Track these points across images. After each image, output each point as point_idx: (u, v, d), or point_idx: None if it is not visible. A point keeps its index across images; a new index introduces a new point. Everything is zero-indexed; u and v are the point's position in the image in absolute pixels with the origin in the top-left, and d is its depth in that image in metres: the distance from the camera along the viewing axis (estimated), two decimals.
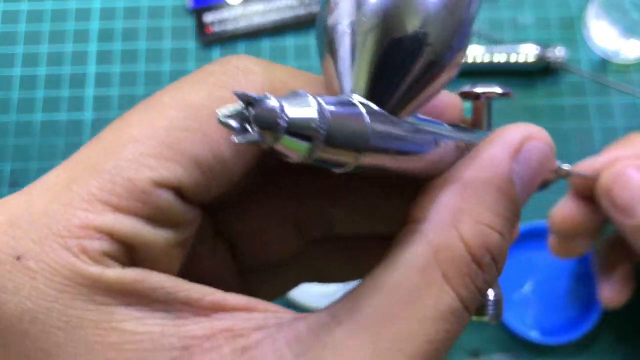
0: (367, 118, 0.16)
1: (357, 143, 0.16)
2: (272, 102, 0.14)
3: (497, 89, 0.22)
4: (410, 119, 0.18)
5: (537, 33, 0.57)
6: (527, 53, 0.54)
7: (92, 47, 0.56)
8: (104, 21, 0.57)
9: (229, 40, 0.56)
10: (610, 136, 0.54)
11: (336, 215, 0.24)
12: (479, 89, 0.22)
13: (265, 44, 0.57)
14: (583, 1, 0.58)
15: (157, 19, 0.57)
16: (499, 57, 0.54)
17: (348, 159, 0.16)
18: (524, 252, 0.49)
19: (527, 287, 0.49)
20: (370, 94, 0.17)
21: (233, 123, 0.14)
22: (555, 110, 0.55)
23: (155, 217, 0.17)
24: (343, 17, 0.18)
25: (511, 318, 0.48)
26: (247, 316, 0.17)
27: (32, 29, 0.57)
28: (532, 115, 0.54)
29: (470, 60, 0.54)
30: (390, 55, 0.17)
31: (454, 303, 0.17)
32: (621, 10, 0.53)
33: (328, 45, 0.18)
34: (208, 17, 0.56)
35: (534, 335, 0.47)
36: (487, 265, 0.17)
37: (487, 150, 0.19)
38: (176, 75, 0.55)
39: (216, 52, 0.56)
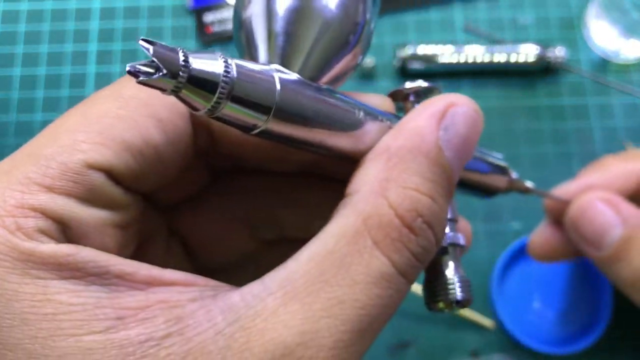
0: (277, 81, 0.17)
1: (264, 103, 0.17)
2: (179, 53, 0.15)
3: (423, 83, 0.22)
4: (339, 95, 0.19)
5: (537, 33, 0.57)
6: (527, 53, 0.54)
7: (92, 47, 0.56)
8: (104, 21, 0.57)
9: (229, 40, 0.56)
10: (610, 136, 0.54)
11: (286, 217, 0.25)
12: (404, 87, 0.22)
13: None
14: (583, 1, 0.58)
15: (157, 19, 0.57)
16: (499, 57, 0.54)
17: (255, 120, 0.17)
18: (529, 264, 0.49)
19: (533, 299, 0.49)
20: (304, 68, 0.19)
21: (142, 69, 0.15)
22: (556, 110, 0.55)
23: (88, 197, 0.18)
24: (257, 15, 0.19)
25: (517, 328, 0.47)
26: (184, 289, 0.17)
27: (32, 29, 0.57)
28: (532, 115, 0.54)
29: (470, 60, 0.54)
30: (299, 32, 0.19)
31: (385, 268, 0.17)
32: (621, 10, 0.53)
33: (245, 37, 0.20)
34: (208, 17, 0.56)
35: (538, 344, 0.47)
36: (419, 228, 0.18)
37: (411, 120, 0.19)
38: None
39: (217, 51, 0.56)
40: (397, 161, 0.18)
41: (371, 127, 0.20)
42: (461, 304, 0.21)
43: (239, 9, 0.20)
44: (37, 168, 0.18)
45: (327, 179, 0.24)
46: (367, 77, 0.55)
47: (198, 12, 0.57)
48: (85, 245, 0.18)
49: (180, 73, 0.15)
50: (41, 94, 0.54)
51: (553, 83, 0.56)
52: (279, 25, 0.19)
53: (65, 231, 0.18)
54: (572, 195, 0.32)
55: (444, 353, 0.48)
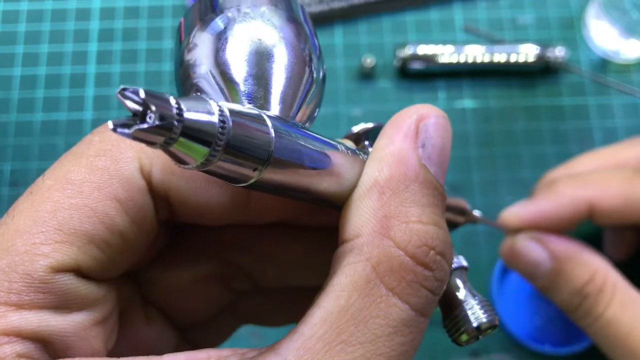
0: (271, 127, 0.16)
1: (259, 153, 0.15)
2: (171, 102, 0.14)
3: (369, 125, 0.22)
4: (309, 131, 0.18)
5: (537, 33, 0.57)
6: (527, 53, 0.54)
7: (92, 46, 0.56)
8: (104, 21, 0.57)
9: None
10: (610, 136, 0.54)
11: (257, 270, 0.24)
12: (354, 129, 0.22)
13: None
14: (583, 1, 0.58)
15: (157, 19, 0.57)
16: (499, 57, 0.54)
17: (248, 172, 0.16)
18: None
19: (533, 299, 0.49)
20: (289, 110, 0.18)
21: (126, 129, 0.13)
22: (555, 110, 0.55)
23: (62, 304, 0.16)
24: (202, 61, 0.18)
25: (517, 328, 0.47)
26: None
27: (32, 29, 0.57)
28: (532, 115, 0.54)
29: (470, 60, 0.54)
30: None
31: (404, 314, 0.16)
32: (621, 10, 0.53)
33: (188, 83, 0.18)
34: None
35: (538, 344, 0.47)
36: (433, 262, 0.17)
37: (387, 147, 0.18)
38: None
39: None
40: (390, 194, 0.17)
41: (350, 163, 0.18)
42: (487, 326, 0.20)
43: (183, 51, 0.19)
44: None
45: (295, 228, 0.23)
46: (367, 77, 0.55)
47: None
48: (71, 356, 0.16)
49: (175, 125, 0.14)
50: (41, 94, 0.54)
51: (553, 83, 0.56)
52: (242, 69, 0.18)
53: (47, 348, 0.16)
54: (522, 223, 0.35)
55: (444, 353, 0.48)
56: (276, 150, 0.16)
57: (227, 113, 0.15)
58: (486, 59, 0.54)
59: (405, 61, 0.54)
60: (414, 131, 0.18)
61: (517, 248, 0.34)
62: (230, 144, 0.15)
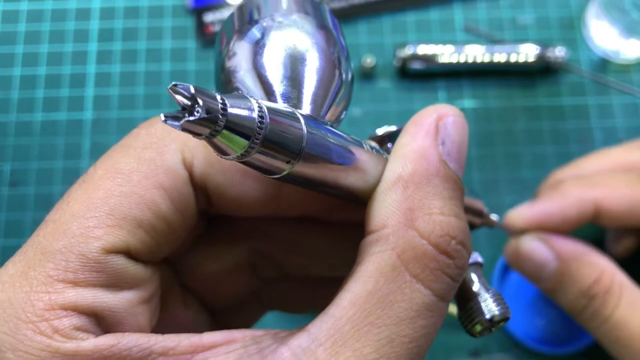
0: (303, 123, 0.18)
1: (292, 147, 0.17)
2: (217, 98, 0.15)
3: (393, 127, 0.23)
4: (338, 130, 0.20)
5: (537, 33, 0.57)
6: (527, 53, 0.54)
7: (92, 46, 0.56)
8: (104, 21, 0.57)
9: None
10: (610, 136, 0.54)
11: (284, 258, 0.25)
12: (378, 132, 0.23)
13: None
14: (583, 1, 0.58)
15: (157, 19, 0.57)
16: (499, 57, 0.54)
17: (281, 164, 0.17)
18: None
19: (533, 299, 0.49)
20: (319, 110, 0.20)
21: (176, 121, 0.15)
22: (556, 110, 0.55)
23: (113, 283, 0.18)
24: (241, 65, 0.20)
25: (517, 328, 0.47)
26: (227, 349, 0.18)
27: (32, 29, 0.57)
28: (532, 115, 0.54)
29: (470, 60, 0.54)
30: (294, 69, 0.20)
31: (427, 299, 0.18)
32: (621, 10, 0.53)
33: (238, 87, 0.20)
34: (208, 17, 0.56)
35: (538, 344, 0.47)
36: (454, 251, 0.18)
37: (409, 143, 0.20)
38: (176, 75, 0.55)
39: None
40: (414, 188, 0.19)
41: (374, 160, 0.20)
42: (500, 318, 0.21)
43: (223, 59, 0.21)
44: (55, 265, 0.18)
45: (321, 222, 0.25)
46: (367, 77, 0.55)
47: (198, 12, 0.57)
48: (121, 330, 0.18)
49: (219, 119, 0.15)
50: (41, 94, 0.54)
51: (553, 83, 0.56)
52: (278, 72, 0.19)
53: (100, 322, 0.18)
54: (527, 224, 0.34)
55: (445, 353, 0.48)
56: (307, 146, 0.17)
57: (265, 110, 0.16)
58: (486, 59, 0.54)
59: (405, 61, 0.54)
60: (434, 129, 0.20)
61: (522, 249, 0.34)
62: (267, 138, 0.16)
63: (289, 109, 0.18)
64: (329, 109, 0.20)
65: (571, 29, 0.58)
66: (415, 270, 0.18)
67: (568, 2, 0.58)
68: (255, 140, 0.16)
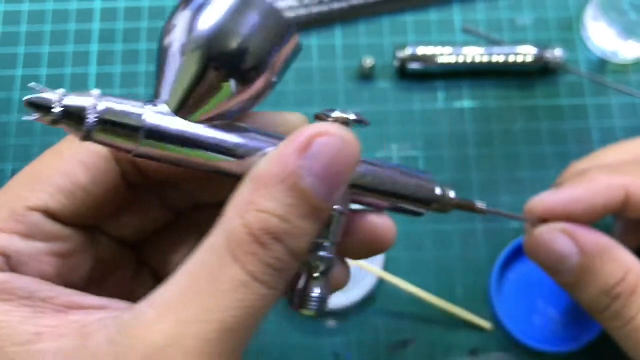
0: (144, 116, 0.22)
1: (129, 133, 0.21)
2: (57, 93, 0.21)
3: (352, 116, 0.24)
4: (209, 129, 0.23)
5: (535, 34, 0.58)
6: (525, 54, 0.54)
7: (94, 47, 0.56)
8: (106, 22, 0.57)
9: None
10: (609, 136, 0.54)
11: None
12: (333, 115, 0.24)
13: None
14: (582, 2, 0.59)
15: (158, 20, 0.57)
16: (498, 58, 0.55)
17: (127, 145, 0.22)
18: (528, 263, 0.50)
19: (532, 298, 0.49)
20: (180, 105, 0.22)
21: (34, 111, 0.20)
22: (554, 111, 0.55)
23: (29, 234, 0.23)
24: (175, 40, 0.22)
25: (516, 327, 0.48)
26: (97, 313, 0.22)
27: (33, 30, 0.57)
28: (530, 116, 0.55)
29: (469, 61, 0.55)
30: (204, 73, 0.22)
31: (243, 277, 0.21)
32: (619, 11, 0.53)
33: (160, 63, 0.23)
34: None
35: (537, 343, 0.47)
36: (267, 243, 0.21)
37: (278, 149, 0.22)
38: None
39: None
40: (260, 186, 0.21)
41: (250, 154, 0.23)
42: (315, 313, 0.25)
43: (162, 34, 0.24)
44: None
45: None
46: (366, 77, 0.56)
47: None
48: (24, 273, 0.23)
49: (55, 108, 0.20)
50: None
51: (551, 83, 0.56)
52: (170, 67, 0.23)
53: (9, 262, 0.23)
54: (550, 211, 0.32)
55: (443, 352, 0.49)
56: (146, 133, 0.22)
57: (104, 102, 0.21)
58: (485, 60, 0.54)
59: (404, 62, 0.54)
60: (304, 142, 0.21)
61: (543, 239, 0.31)
62: (103, 122, 0.21)
63: (138, 102, 0.22)
64: (206, 108, 0.23)
65: (570, 30, 0.58)
66: (236, 252, 0.21)
67: (567, 4, 0.59)
68: (87, 124, 0.21)
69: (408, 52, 0.54)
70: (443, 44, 0.56)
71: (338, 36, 0.57)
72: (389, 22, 0.58)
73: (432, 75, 0.56)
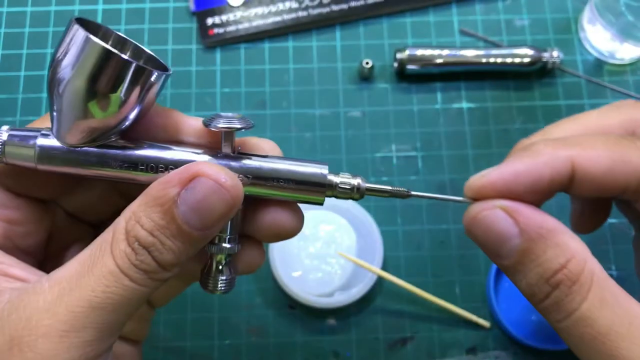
0: (35, 142, 0.27)
1: (25, 155, 0.27)
2: None
3: (236, 125, 0.27)
4: (90, 149, 0.28)
5: (533, 35, 0.58)
6: (523, 55, 0.55)
7: None
8: (108, 24, 0.58)
9: (231, 42, 0.57)
10: None
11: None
12: (219, 125, 0.27)
13: (266, 46, 0.57)
14: (579, 4, 0.59)
15: (160, 22, 0.58)
16: (496, 59, 0.55)
17: (28, 164, 0.28)
18: None
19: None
20: (56, 132, 0.28)
21: None
22: (552, 111, 0.55)
23: None
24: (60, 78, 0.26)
25: (513, 325, 0.48)
26: (15, 281, 0.27)
27: (36, 31, 0.57)
28: (528, 116, 0.55)
29: (468, 62, 0.55)
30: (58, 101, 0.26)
31: (112, 268, 0.25)
32: (616, 12, 0.54)
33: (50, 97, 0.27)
34: (210, 20, 0.57)
35: (535, 341, 0.47)
36: (136, 248, 0.25)
37: (171, 174, 0.26)
38: (178, 76, 0.56)
39: (218, 53, 0.57)
40: (144, 202, 0.26)
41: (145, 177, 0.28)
42: (222, 292, 0.30)
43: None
44: None
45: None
46: (366, 79, 0.56)
47: (200, 14, 0.57)
48: None
49: None
50: (46, 95, 0.55)
51: (549, 84, 0.56)
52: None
53: None
54: (488, 188, 0.29)
55: (442, 350, 0.49)
56: (40, 155, 0.27)
57: (3, 134, 0.27)
58: (483, 61, 0.55)
59: (403, 63, 0.55)
60: (187, 178, 0.25)
61: (482, 217, 0.28)
62: (5, 153, 0.27)
63: (36, 132, 0.28)
64: (74, 131, 0.28)
65: (567, 31, 0.58)
66: (113, 248, 0.26)
67: (564, 6, 0.59)
68: None
69: (407, 53, 0.55)
70: (442, 45, 0.56)
71: (338, 38, 0.58)
72: (388, 24, 0.58)
73: (430, 76, 0.56)
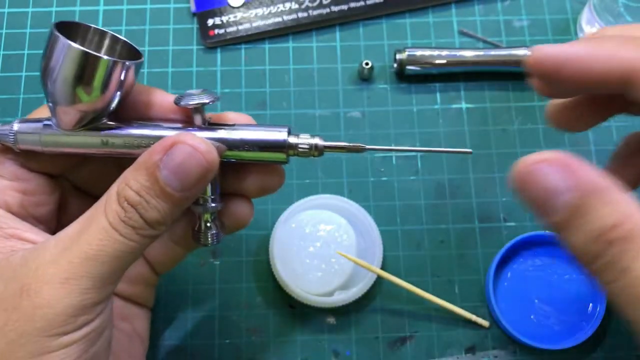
0: (40, 131, 0.33)
1: (33, 141, 0.33)
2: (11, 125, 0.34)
3: (204, 100, 0.32)
4: (81, 133, 0.33)
5: (532, 36, 0.58)
6: (522, 55, 0.55)
7: None
8: (108, 24, 0.58)
9: (232, 43, 0.58)
10: (605, 136, 0.55)
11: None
12: (186, 102, 0.32)
13: (267, 46, 0.58)
14: (578, 5, 0.59)
15: (161, 23, 0.58)
16: (495, 60, 0.55)
17: (37, 148, 0.33)
18: (524, 261, 0.51)
19: (529, 296, 0.50)
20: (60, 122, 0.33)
21: None
22: None
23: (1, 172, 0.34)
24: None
25: (513, 325, 0.48)
26: (26, 244, 0.32)
27: (37, 32, 0.58)
28: (527, 117, 0.56)
29: (467, 63, 0.55)
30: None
31: (105, 224, 0.29)
32: (615, 13, 0.54)
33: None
34: (211, 21, 0.58)
35: (534, 340, 0.48)
36: (125, 207, 0.30)
37: (155, 146, 0.30)
38: (179, 77, 0.56)
39: (219, 54, 0.57)
40: (134, 169, 0.30)
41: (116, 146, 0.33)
42: (209, 243, 0.36)
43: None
44: None
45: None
46: (365, 79, 0.56)
47: (201, 15, 0.58)
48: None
49: (10, 136, 0.33)
50: None
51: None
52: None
53: None
54: (543, 60, 0.29)
55: (441, 349, 0.49)
56: (44, 141, 0.33)
57: (16, 126, 0.33)
58: (483, 62, 0.55)
59: (403, 64, 0.55)
60: (168, 145, 0.30)
61: (535, 168, 0.27)
62: (18, 136, 0.33)
63: (38, 123, 0.33)
64: (63, 115, 0.32)
65: (566, 32, 0.59)
66: (106, 208, 0.30)
67: (563, 7, 0.60)
68: (12, 140, 0.33)
69: (406, 54, 0.55)
70: (441, 46, 0.57)
71: (338, 38, 0.58)
72: (387, 25, 0.59)
73: (430, 77, 0.57)
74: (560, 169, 0.26)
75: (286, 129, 0.33)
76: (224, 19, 0.58)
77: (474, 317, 0.49)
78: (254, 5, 0.58)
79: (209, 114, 0.34)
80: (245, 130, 0.33)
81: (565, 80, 0.29)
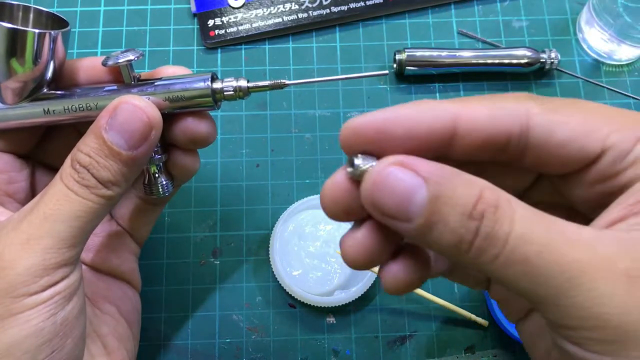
0: None
1: None
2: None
3: (130, 57, 0.34)
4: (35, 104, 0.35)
5: (531, 36, 0.58)
6: (521, 56, 0.55)
7: (97, 50, 0.57)
8: (109, 25, 0.58)
9: (232, 43, 0.58)
10: None
11: None
12: (113, 61, 0.34)
13: (267, 47, 0.58)
14: (577, 5, 0.60)
15: (161, 23, 0.58)
16: (494, 60, 0.55)
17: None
18: None
19: None
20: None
21: None
22: None
23: None
24: None
25: (511, 325, 0.48)
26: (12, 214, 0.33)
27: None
28: None
29: (467, 63, 0.55)
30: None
31: (61, 186, 0.31)
32: (614, 13, 0.54)
33: None
34: (211, 21, 0.58)
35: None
36: (77, 168, 0.32)
37: (102, 111, 0.32)
38: None
39: (220, 55, 0.58)
40: (85, 135, 0.32)
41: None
42: (160, 194, 0.38)
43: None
44: None
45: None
46: (366, 80, 0.57)
47: (201, 16, 0.58)
48: None
49: None
50: None
51: (547, 85, 0.57)
52: None
53: None
54: (363, 129, 0.25)
55: (440, 348, 0.49)
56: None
57: None
58: (482, 62, 0.55)
59: (402, 64, 0.55)
60: (112, 108, 0.32)
61: (382, 178, 0.24)
62: None
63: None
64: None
65: (565, 33, 0.59)
66: (62, 173, 0.32)
67: (562, 7, 0.60)
68: None
69: (406, 54, 0.55)
70: (441, 46, 0.57)
71: (337, 39, 0.58)
72: (387, 26, 0.59)
73: (429, 77, 0.57)
74: (404, 167, 0.24)
75: (209, 75, 0.35)
76: (225, 19, 0.58)
77: (473, 317, 0.49)
78: (254, 6, 0.58)
79: (142, 72, 0.36)
80: (171, 81, 0.35)
81: (392, 139, 0.26)
